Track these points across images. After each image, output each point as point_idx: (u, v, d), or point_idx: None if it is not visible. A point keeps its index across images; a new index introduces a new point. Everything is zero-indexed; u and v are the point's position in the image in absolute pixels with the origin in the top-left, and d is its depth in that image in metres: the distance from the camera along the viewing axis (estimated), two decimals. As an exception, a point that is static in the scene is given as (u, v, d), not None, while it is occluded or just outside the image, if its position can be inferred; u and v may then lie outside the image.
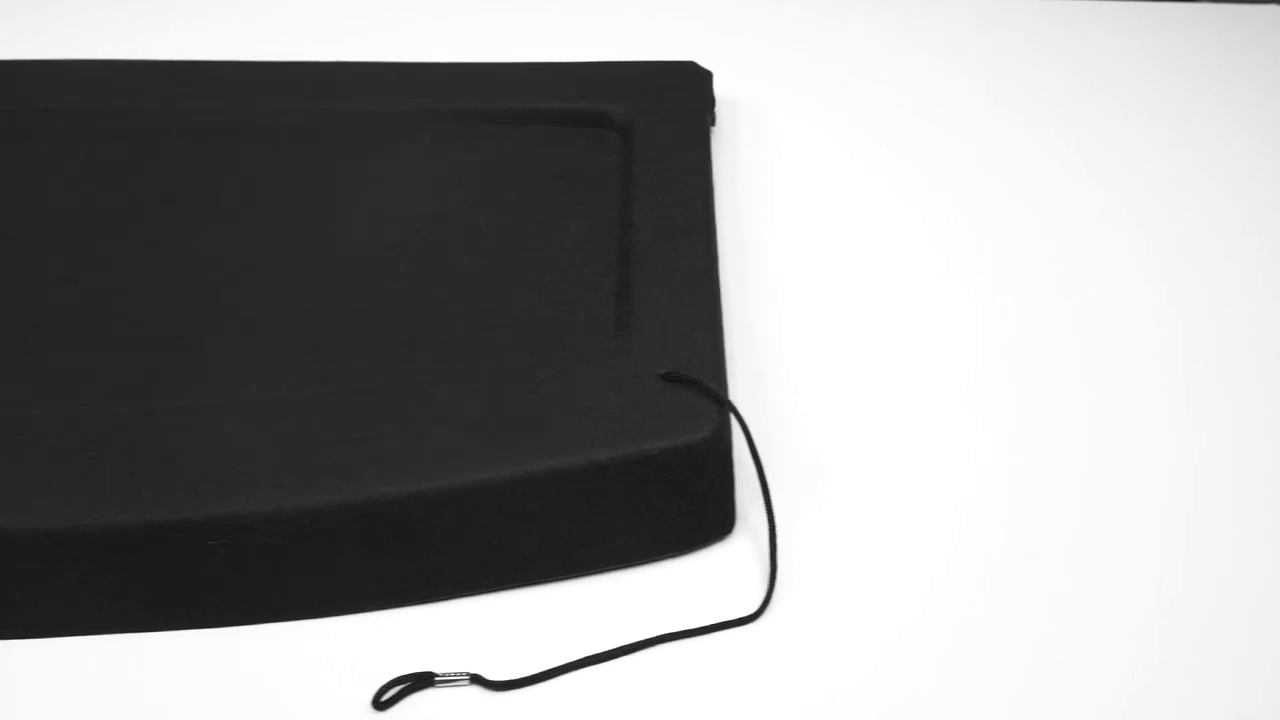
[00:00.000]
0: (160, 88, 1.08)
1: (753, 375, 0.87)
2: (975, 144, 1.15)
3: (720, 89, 1.20)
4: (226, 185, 0.97)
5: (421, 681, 0.68)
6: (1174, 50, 1.31)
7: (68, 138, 1.02)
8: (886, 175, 1.10)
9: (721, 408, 0.75)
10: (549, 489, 0.71)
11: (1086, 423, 0.84)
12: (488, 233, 0.93)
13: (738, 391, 0.85)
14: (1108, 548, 0.75)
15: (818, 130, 1.16)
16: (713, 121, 1.11)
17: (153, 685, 0.68)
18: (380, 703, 0.67)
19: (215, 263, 0.89)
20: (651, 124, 1.03)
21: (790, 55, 1.28)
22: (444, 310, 0.85)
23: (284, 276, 0.88)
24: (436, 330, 0.83)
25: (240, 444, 0.72)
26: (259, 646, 0.70)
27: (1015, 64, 1.27)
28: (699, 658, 0.70)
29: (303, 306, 0.85)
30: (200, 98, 1.07)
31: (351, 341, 0.82)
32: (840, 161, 1.12)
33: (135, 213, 0.94)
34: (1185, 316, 0.94)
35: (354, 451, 0.71)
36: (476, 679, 0.68)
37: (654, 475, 0.73)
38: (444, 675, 0.68)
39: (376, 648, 0.70)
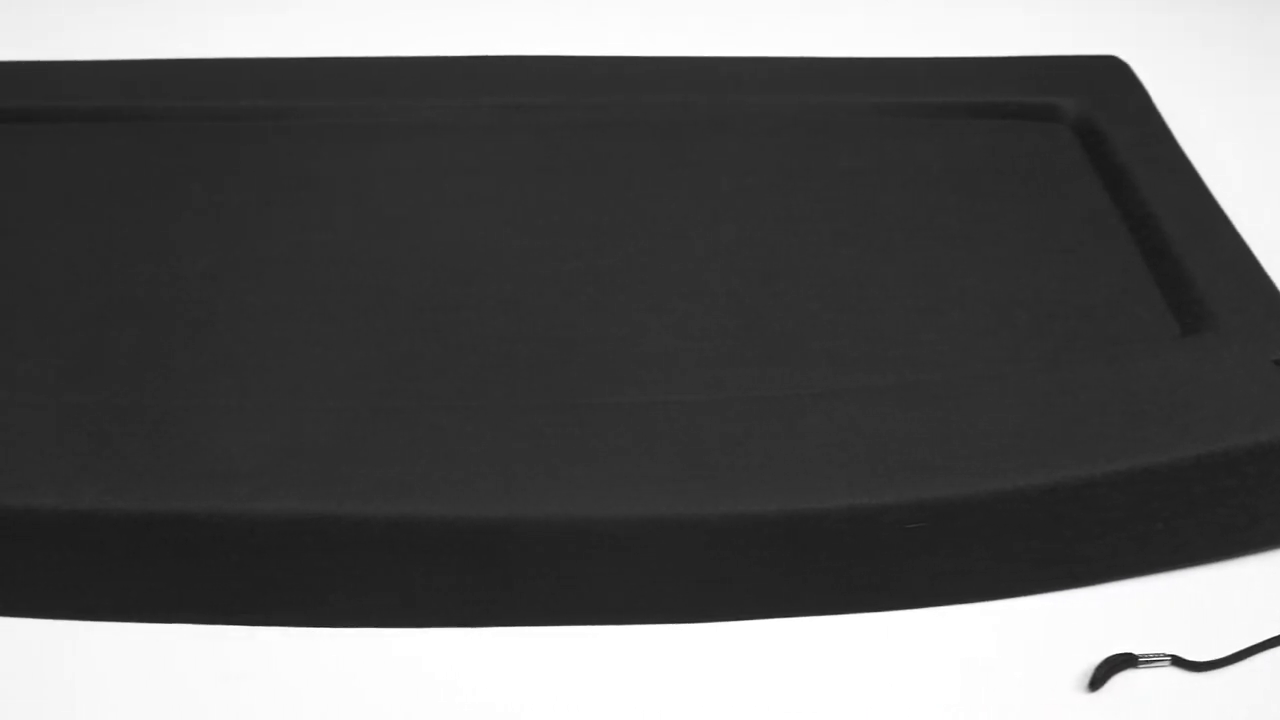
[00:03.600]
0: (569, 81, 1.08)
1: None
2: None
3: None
4: (629, 180, 0.97)
5: (1124, 663, 0.69)
6: None
7: (305, 135, 1.02)
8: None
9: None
10: (1216, 472, 0.73)
11: None
12: (973, 225, 0.94)
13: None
14: None
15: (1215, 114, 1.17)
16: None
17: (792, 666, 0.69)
18: (1093, 682, 0.68)
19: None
20: (1113, 119, 1.04)
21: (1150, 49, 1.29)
22: (979, 296, 0.86)
23: (812, 269, 0.89)
24: (991, 319, 0.84)
25: (844, 432, 0.73)
26: (939, 630, 0.71)
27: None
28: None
29: (846, 292, 0.86)
30: (600, 92, 1.07)
31: (908, 329, 0.83)
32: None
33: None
34: None
35: (1043, 433, 0.73)
36: (1177, 660, 0.69)
37: (1302, 460, 0.74)
38: (1145, 656, 0.69)
39: (1053, 628, 0.71)
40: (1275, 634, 0.71)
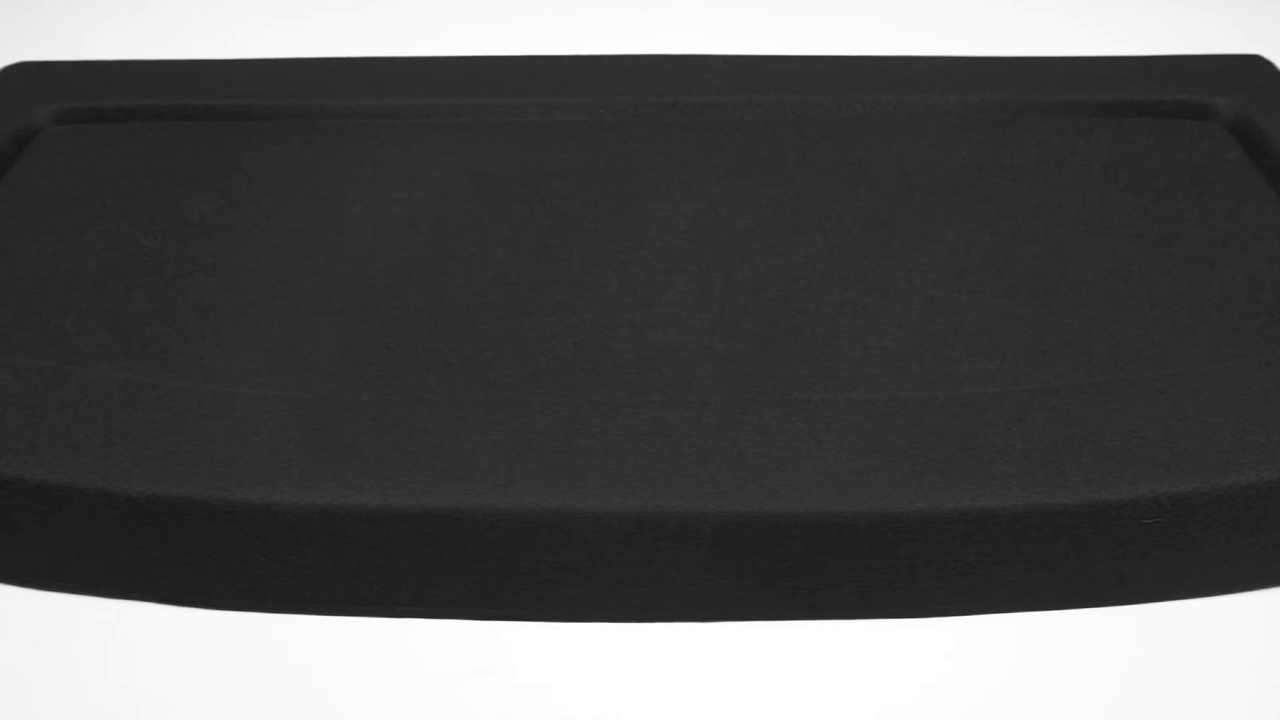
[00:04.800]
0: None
1: None
2: None
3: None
4: (800, 178, 0.98)
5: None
6: None
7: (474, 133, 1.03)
8: None
9: None
10: None
11: None
12: (1147, 222, 0.94)
13: None
14: None
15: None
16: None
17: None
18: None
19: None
20: (1270, 117, 1.04)
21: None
22: (1168, 293, 0.86)
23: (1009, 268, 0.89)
24: (1185, 316, 0.85)
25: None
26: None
27: None
28: None
29: (1034, 289, 0.87)
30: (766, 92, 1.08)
31: (1105, 326, 0.83)
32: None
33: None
34: None
35: None
36: None
37: None
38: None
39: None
40: None
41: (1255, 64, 1.13)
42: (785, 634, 0.71)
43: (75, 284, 0.86)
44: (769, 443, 0.73)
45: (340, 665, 0.70)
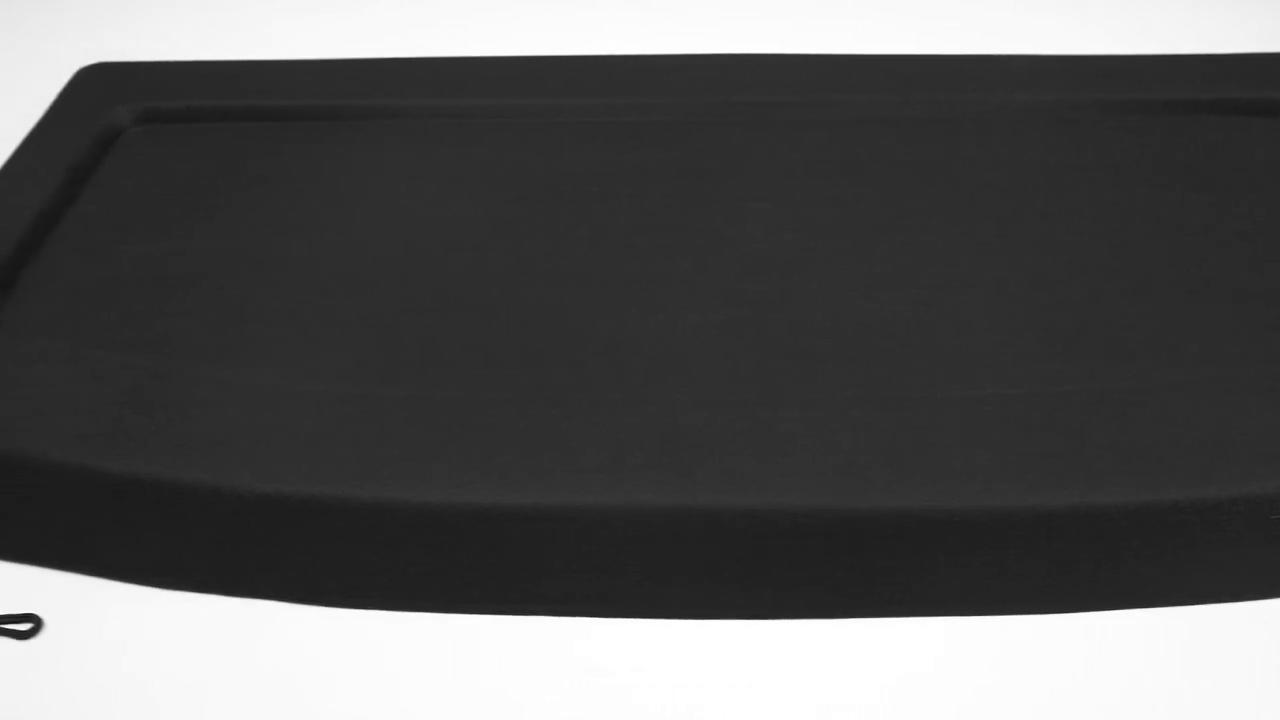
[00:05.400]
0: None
1: None
2: None
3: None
4: (876, 178, 0.98)
5: None
6: None
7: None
8: None
9: None
10: None
11: None
12: (1224, 220, 0.94)
13: None
14: None
15: None
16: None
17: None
18: None
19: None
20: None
21: None
22: (1251, 291, 0.87)
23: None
24: (1271, 313, 0.85)
25: None
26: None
27: None
28: None
29: (1118, 287, 0.87)
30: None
31: (1193, 324, 0.84)
32: None
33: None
34: None
35: None
36: None
37: None
38: None
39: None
40: None
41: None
42: (895, 631, 0.71)
43: (170, 284, 0.87)
44: (874, 440, 0.73)
45: (451, 662, 0.70)
